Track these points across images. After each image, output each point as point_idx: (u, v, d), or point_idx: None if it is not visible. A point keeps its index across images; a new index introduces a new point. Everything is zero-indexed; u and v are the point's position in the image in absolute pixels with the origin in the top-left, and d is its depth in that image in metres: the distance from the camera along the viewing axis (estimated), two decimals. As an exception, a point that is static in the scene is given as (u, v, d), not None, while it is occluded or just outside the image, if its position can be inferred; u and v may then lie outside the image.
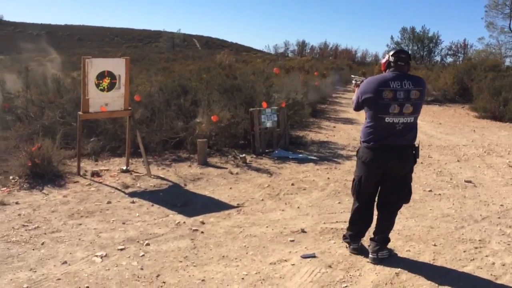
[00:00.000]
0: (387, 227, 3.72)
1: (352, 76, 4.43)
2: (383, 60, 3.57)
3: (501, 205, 5.21)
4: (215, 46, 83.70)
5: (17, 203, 4.70)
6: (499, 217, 4.80)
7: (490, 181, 6.30)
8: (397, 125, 3.41)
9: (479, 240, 4.15)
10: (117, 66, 5.88)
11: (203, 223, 4.37)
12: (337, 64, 27.14)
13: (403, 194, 3.62)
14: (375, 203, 3.77)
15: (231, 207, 4.91)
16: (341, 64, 27.88)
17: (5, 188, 5.14)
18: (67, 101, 8.07)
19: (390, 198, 3.63)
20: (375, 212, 3.76)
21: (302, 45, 71.36)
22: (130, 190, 5.33)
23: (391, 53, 3.49)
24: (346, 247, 3.86)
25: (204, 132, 7.29)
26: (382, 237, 3.67)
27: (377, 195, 3.73)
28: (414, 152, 3.54)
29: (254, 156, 7.32)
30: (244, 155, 7.01)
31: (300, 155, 7.43)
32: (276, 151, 7.55)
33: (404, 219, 4.63)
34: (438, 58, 45.68)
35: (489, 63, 17.98)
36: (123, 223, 4.26)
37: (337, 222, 4.52)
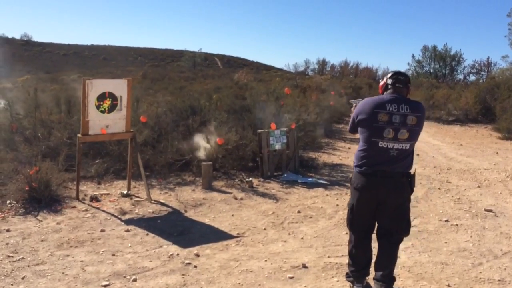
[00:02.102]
0: (389, 263, 3.39)
1: (351, 101, 4.15)
2: (381, 82, 3.34)
3: (525, 238, 4.79)
4: (236, 65, 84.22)
5: (8, 230, 4.52)
6: (522, 253, 4.38)
7: (513, 210, 5.85)
8: (391, 150, 3.16)
9: (499, 280, 3.76)
10: (119, 87, 5.73)
11: (197, 255, 4.09)
12: (355, 82, 26.66)
13: (401, 225, 3.33)
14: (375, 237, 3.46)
15: (231, 237, 4.62)
16: (360, 82, 27.38)
17: (0, 213, 4.99)
18: (75, 121, 7.98)
19: (388, 230, 3.34)
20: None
21: (323, 63, 70.96)
22: (127, 216, 5.10)
23: (389, 75, 3.30)
24: (350, 287, 3.53)
25: (210, 154, 7.06)
26: (385, 276, 3.33)
27: (376, 228, 3.43)
28: (410, 180, 3.25)
29: (262, 179, 7.03)
30: (250, 179, 6.73)
31: (310, 179, 7.11)
32: (285, 175, 7.25)
33: (416, 253, 4.27)
34: (461, 77, 44.64)
35: (513, 82, 17.33)
36: (113, 255, 4.02)
37: (342, 256, 4.18)
